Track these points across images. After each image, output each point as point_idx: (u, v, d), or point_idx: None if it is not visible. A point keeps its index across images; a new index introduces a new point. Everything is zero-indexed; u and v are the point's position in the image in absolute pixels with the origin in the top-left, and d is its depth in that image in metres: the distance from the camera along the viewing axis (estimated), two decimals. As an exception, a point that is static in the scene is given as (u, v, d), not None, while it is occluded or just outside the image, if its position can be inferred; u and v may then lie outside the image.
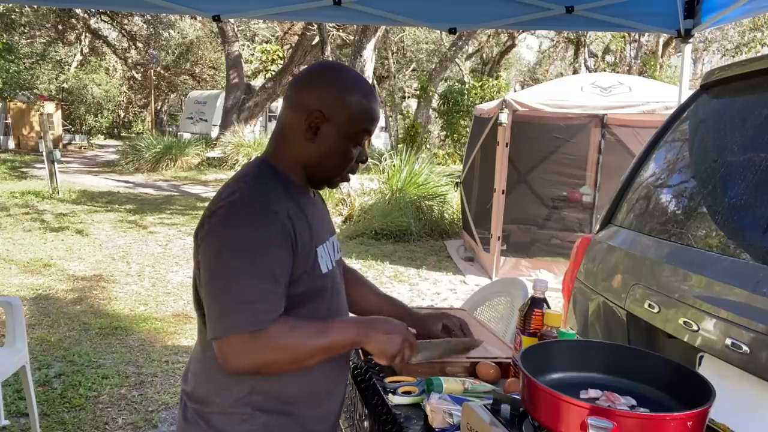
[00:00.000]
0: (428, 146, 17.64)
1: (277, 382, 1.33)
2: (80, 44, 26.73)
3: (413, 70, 26.75)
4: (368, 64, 10.28)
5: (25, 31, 23.56)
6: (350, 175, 1.43)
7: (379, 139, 22.33)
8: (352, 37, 13.26)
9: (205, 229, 1.27)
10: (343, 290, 1.53)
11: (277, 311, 1.24)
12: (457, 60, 20.87)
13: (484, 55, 26.35)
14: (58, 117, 21.71)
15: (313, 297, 1.34)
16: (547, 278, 3.20)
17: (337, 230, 8.93)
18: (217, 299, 1.23)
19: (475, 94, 17.36)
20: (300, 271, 1.29)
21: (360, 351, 1.83)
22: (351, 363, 1.87)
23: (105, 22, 25.77)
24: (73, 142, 23.93)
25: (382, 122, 23.62)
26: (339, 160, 1.37)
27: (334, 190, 9.45)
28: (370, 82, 11.06)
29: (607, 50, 23.63)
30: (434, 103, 19.56)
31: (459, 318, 1.74)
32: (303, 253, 1.30)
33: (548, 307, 1.59)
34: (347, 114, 1.33)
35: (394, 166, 10.12)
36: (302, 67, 19.84)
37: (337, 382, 1.46)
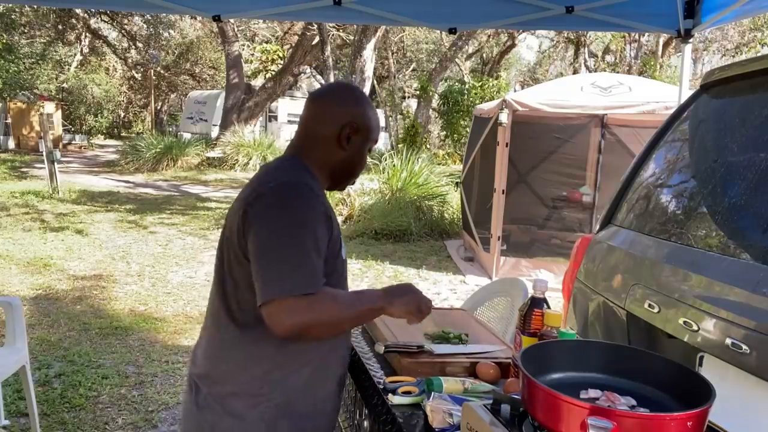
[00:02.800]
0: (428, 146, 17.64)
1: (295, 362, 1.47)
2: (80, 44, 26.72)
3: (413, 70, 26.75)
4: (368, 64, 10.28)
5: (25, 31, 23.55)
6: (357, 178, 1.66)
7: (379, 139, 22.29)
8: (352, 37, 13.26)
9: (255, 209, 1.41)
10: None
11: (322, 280, 1.39)
12: (457, 60, 20.87)
13: (484, 55, 26.34)
14: (58, 117, 21.70)
15: (332, 278, 1.47)
16: (547, 278, 3.20)
17: (337, 230, 8.96)
18: (272, 266, 1.36)
19: (475, 94, 17.35)
20: (330, 252, 1.45)
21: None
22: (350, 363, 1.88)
23: (105, 22, 25.75)
24: (73, 142, 23.90)
25: (381, 122, 23.62)
26: (360, 164, 1.62)
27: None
28: (370, 82, 11.04)
29: (607, 50, 23.63)
30: (434, 103, 19.55)
31: None
32: (335, 236, 1.48)
33: (548, 307, 1.59)
34: (369, 125, 1.59)
35: (394, 166, 10.11)
36: (302, 67, 19.76)
37: (343, 361, 1.62)
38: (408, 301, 1.52)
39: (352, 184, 1.67)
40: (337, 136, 1.54)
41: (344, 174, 1.62)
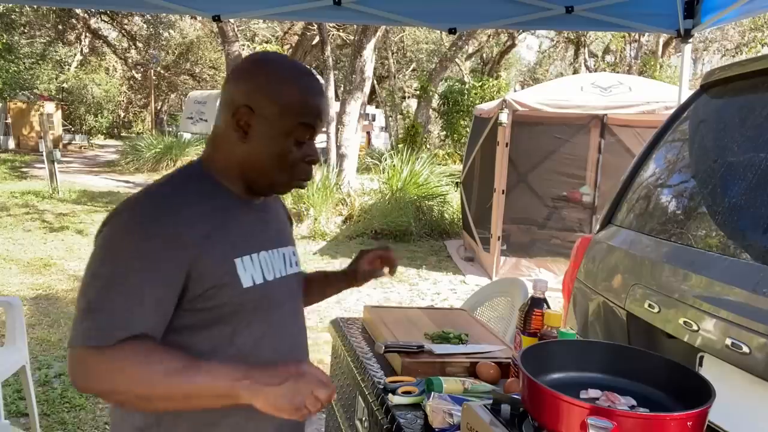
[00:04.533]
0: (428, 146, 17.64)
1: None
2: (80, 44, 26.71)
3: (413, 70, 26.75)
4: (368, 64, 10.27)
5: (25, 31, 23.54)
6: (303, 182, 1.27)
7: (379, 139, 22.32)
8: (352, 37, 13.25)
9: (97, 233, 1.17)
10: (293, 305, 1.36)
11: (129, 330, 1.06)
12: (457, 60, 20.87)
13: (484, 55, 26.33)
14: (58, 117, 21.69)
15: (231, 314, 1.18)
16: (547, 278, 3.20)
17: (337, 230, 8.99)
18: (77, 307, 1.10)
19: (475, 94, 17.36)
20: (206, 284, 1.14)
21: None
22: (351, 361, 1.87)
23: (105, 22, 25.74)
24: (73, 142, 23.91)
25: (381, 122, 23.63)
26: (276, 160, 1.21)
27: (334, 190, 9.45)
28: (370, 82, 11.02)
29: (607, 50, 23.63)
30: (434, 103, 19.56)
31: (381, 251, 1.62)
32: (209, 265, 1.14)
33: (548, 307, 1.59)
34: (278, 106, 1.19)
35: (394, 166, 10.12)
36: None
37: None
38: (282, 395, 1.04)
39: (299, 187, 1.27)
40: (234, 125, 1.20)
41: (259, 175, 1.23)
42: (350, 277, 1.61)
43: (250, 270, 1.21)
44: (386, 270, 1.61)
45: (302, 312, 1.41)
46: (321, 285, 1.63)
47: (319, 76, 1.32)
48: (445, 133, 19.44)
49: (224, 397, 1.06)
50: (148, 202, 1.16)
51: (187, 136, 19.81)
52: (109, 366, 1.06)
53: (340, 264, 7.21)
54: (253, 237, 1.25)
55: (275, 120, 1.19)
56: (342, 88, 11.23)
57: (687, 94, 3.13)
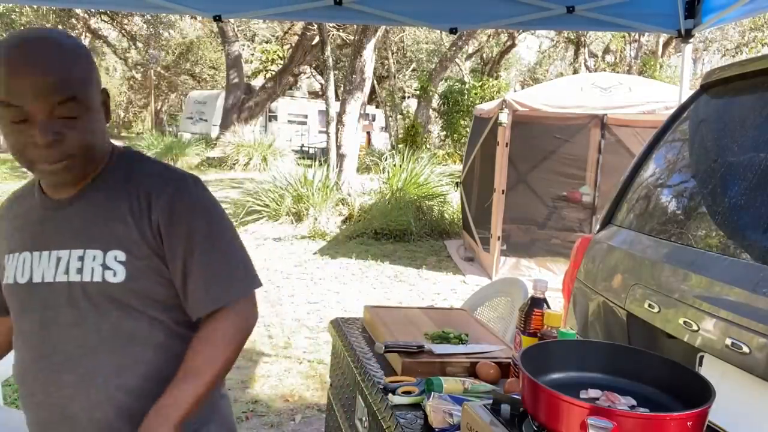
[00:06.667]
0: (428, 146, 17.66)
1: None
2: (80, 44, 26.70)
3: (413, 70, 26.76)
4: (368, 64, 10.27)
5: (25, 31, 23.55)
6: (46, 167, 1.14)
7: (379, 139, 22.34)
8: (352, 37, 13.26)
9: None
10: (50, 319, 1.19)
11: None
12: (457, 60, 20.87)
13: (484, 55, 26.34)
14: (58, 117, 21.69)
15: (8, 308, 1.30)
16: (547, 278, 3.19)
17: (337, 230, 8.98)
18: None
19: (475, 94, 17.38)
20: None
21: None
22: (348, 361, 1.87)
23: (105, 22, 25.75)
24: (73, 142, 23.91)
25: (381, 122, 23.64)
26: (10, 145, 1.14)
27: (334, 190, 9.47)
28: (370, 82, 11.01)
29: (607, 50, 23.64)
30: (434, 103, 19.58)
31: None
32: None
33: (548, 307, 1.59)
34: None
35: (394, 166, 10.13)
36: (302, 67, 19.74)
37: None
38: None
39: (44, 171, 1.15)
40: None
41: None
42: None
43: (13, 269, 1.24)
44: None
45: (80, 336, 1.18)
46: None
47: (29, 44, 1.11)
48: (445, 133, 19.47)
49: None
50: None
51: (187, 136, 19.86)
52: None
53: (339, 264, 7.22)
54: (26, 235, 1.25)
55: None
56: (342, 88, 11.22)
57: (687, 94, 3.13)
